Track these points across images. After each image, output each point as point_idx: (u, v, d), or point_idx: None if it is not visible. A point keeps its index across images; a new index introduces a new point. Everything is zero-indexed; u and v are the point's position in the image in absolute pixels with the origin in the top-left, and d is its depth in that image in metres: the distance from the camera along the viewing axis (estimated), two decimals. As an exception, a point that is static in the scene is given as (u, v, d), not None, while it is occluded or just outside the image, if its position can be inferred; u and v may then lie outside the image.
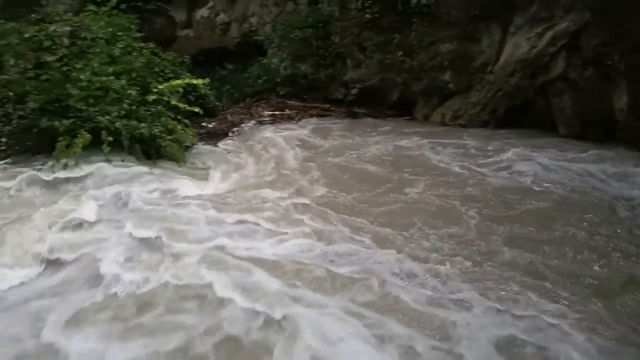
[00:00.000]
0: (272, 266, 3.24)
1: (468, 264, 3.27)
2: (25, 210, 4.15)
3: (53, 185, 4.72)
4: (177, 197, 4.69)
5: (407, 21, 7.58)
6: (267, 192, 4.67)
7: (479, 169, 5.43)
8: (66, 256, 3.47)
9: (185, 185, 5.05)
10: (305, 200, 4.44)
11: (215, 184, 5.28)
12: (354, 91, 8.59)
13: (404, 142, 6.51)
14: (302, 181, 5.12)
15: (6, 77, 5.45)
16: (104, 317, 2.79)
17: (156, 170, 5.25)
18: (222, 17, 10.15)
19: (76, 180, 4.84)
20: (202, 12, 10.27)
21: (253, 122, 7.77)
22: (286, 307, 2.76)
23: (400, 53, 7.72)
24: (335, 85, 8.84)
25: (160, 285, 3.05)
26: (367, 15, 7.70)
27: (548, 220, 4.04)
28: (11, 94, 5.35)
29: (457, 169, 5.43)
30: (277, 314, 2.70)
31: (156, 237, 3.63)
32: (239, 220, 3.99)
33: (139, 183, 4.87)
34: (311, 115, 8.22)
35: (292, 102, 8.67)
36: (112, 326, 2.71)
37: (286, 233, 3.77)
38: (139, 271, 3.21)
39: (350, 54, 8.37)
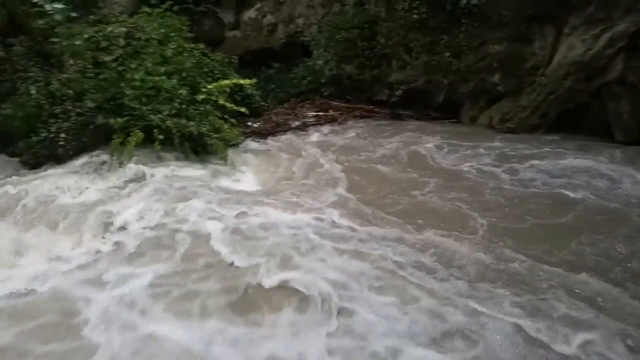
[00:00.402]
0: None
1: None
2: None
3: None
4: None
5: (456, 22, 7.44)
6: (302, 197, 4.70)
7: (524, 177, 5.22)
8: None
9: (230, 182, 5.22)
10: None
11: (255, 182, 5.38)
12: (398, 92, 8.51)
13: (445, 145, 6.35)
14: (341, 185, 5.10)
15: (66, 75, 5.74)
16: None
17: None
18: (269, 19, 10.31)
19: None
20: (250, 13, 10.46)
21: (297, 122, 7.83)
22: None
23: (448, 54, 7.58)
24: (379, 86, 8.78)
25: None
26: (415, 16, 7.61)
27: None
28: (70, 92, 5.62)
29: (502, 175, 5.25)
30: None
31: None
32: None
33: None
34: (355, 117, 8.21)
35: (336, 103, 8.68)
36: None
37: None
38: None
39: (396, 55, 8.30)
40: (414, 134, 6.98)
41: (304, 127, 7.60)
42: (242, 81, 6.38)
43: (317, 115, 8.17)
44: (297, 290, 2.96)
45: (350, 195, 4.71)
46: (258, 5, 10.34)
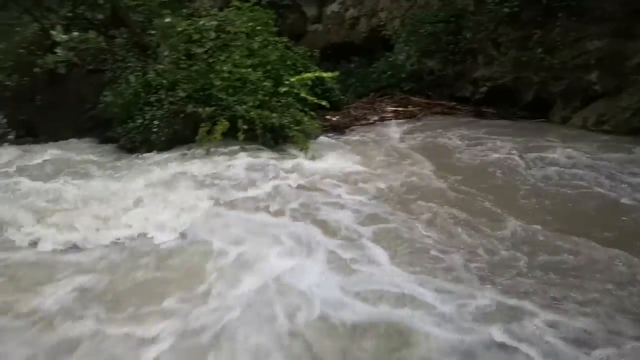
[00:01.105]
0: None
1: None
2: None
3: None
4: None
5: (551, 16, 6.99)
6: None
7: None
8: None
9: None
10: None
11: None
12: (483, 89, 8.16)
13: (533, 147, 5.87)
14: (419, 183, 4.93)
15: (162, 66, 6.09)
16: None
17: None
18: (351, 12, 10.31)
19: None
20: (333, 7, 10.51)
21: (376, 117, 7.76)
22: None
23: (540, 50, 7.14)
24: (462, 82, 8.47)
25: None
26: (506, 10, 7.25)
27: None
28: (165, 81, 5.97)
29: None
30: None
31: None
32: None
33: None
34: (435, 113, 7.98)
35: (415, 99, 8.50)
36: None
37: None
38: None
39: (483, 50, 7.96)
40: (496, 130, 6.63)
41: (382, 122, 7.52)
42: (324, 74, 6.43)
43: (396, 110, 8.04)
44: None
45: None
46: (341, -1, 10.40)
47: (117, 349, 2.42)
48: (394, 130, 6.84)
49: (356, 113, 8.00)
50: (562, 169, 4.97)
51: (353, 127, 7.22)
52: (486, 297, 2.76)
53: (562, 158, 5.31)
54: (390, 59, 9.15)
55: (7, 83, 6.82)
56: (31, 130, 7.32)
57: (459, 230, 3.62)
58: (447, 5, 8.41)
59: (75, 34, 5.25)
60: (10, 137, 7.28)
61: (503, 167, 5.10)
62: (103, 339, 2.48)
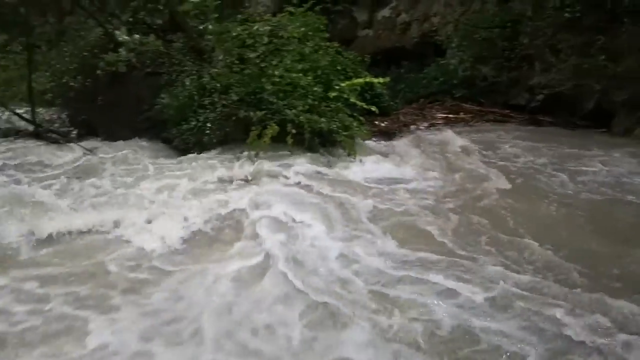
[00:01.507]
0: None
1: None
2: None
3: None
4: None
5: (616, 21, 6.66)
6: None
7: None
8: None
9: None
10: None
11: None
12: (539, 97, 7.87)
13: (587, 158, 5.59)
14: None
15: (216, 70, 6.25)
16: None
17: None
18: (403, 17, 10.21)
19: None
20: (384, 12, 10.44)
21: (425, 123, 7.65)
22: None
23: (603, 57, 6.81)
24: (517, 89, 8.20)
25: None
26: (566, 15, 6.97)
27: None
28: (218, 85, 6.12)
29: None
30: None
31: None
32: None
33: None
34: (487, 121, 7.77)
35: (467, 106, 8.30)
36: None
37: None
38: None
39: (540, 57, 7.67)
40: (555, 140, 6.34)
41: (432, 129, 7.39)
42: (374, 80, 6.38)
43: (446, 117, 7.89)
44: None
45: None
46: (393, 3, 10.28)
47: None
48: (445, 136, 6.68)
49: (405, 119, 7.91)
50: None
51: (402, 133, 7.14)
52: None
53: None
54: (442, 65, 8.99)
55: (71, 84, 7.19)
56: (91, 129, 7.71)
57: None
58: (504, 10, 8.18)
59: (137, 36, 5.48)
60: (72, 135, 7.70)
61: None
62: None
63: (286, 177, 4.95)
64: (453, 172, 5.26)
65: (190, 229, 3.76)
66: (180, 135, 6.21)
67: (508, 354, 2.32)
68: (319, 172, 5.09)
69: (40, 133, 6.99)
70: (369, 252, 3.27)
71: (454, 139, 6.43)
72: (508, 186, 4.72)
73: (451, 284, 2.86)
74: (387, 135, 7.09)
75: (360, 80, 6.43)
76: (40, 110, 7.89)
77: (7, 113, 7.72)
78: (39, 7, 8.43)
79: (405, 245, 3.38)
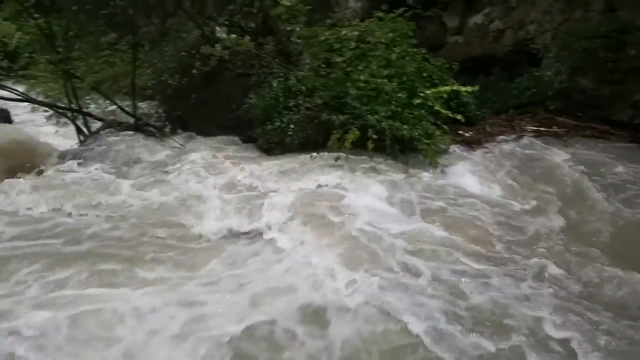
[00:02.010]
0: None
1: None
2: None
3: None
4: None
5: None
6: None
7: None
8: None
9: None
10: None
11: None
12: (645, 113, 7.18)
13: None
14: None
15: (302, 73, 6.40)
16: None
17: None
18: (496, 24, 9.78)
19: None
20: (476, 18, 10.07)
21: (513, 135, 7.24)
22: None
23: None
24: (620, 104, 7.52)
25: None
26: (684, 25, 6.30)
27: None
28: (303, 88, 6.26)
29: None
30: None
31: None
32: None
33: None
34: (584, 136, 7.19)
35: (561, 119, 7.75)
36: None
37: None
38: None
39: (650, 70, 7.00)
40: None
41: (520, 141, 6.99)
42: (462, 88, 6.18)
43: (537, 130, 7.42)
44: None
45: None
46: (486, 10, 9.88)
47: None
48: (538, 151, 6.27)
49: (492, 130, 7.56)
50: None
51: (488, 145, 6.83)
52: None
53: None
54: (536, 75, 8.48)
55: (169, 82, 7.71)
56: (184, 124, 8.21)
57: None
58: (609, 20, 7.56)
59: (233, 36, 5.80)
60: (167, 129, 8.25)
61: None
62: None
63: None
64: (554, 196, 4.75)
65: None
66: (264, 135, 6.43)
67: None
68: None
69: (139, 126, 7.55)
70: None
71: (548, 155, 6.01)
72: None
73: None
74: (472, 145, 6.82)
75: (447, 88, 6.27)
76: (140, 104, 8.54)
77: (112, 106, 8.45)
78: (145, 9, 9.13)
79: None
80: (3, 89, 7.86)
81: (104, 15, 7.56)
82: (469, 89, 6.16)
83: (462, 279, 3.15)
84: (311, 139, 6.15)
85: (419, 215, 4.31)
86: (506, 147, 6.62)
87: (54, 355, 2.49)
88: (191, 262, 3.57)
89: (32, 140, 7.41)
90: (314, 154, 5.75)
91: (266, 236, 3.97)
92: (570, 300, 2.95)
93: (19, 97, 7.72)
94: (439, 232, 3.88)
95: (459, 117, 6.01)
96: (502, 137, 7.17)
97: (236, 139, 7.19)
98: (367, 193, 4.72)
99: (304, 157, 5.79)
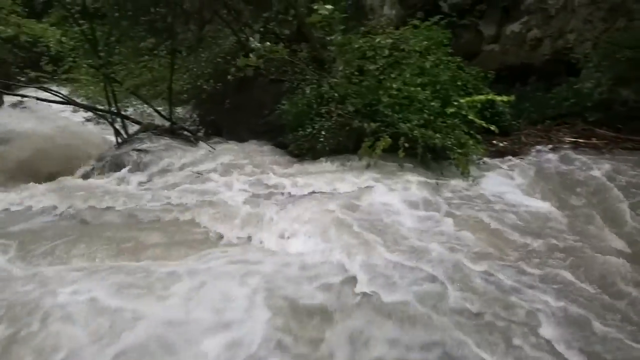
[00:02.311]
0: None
1: None
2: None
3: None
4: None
5: None
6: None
7: None
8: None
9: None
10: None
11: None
12: (692, 127, 6.88)
13: None
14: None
15: (335, 80, 6.42)
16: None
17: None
18: (534, 33, 9.56)
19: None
20: (514, 27, 9.88)
21: (550, 146, 7.04)
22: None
23: None
24: (665, 117, 7.24)
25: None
26: None
27: None
28: (336, 95, 6.28)
29: None
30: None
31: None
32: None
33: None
34: (624, 149, 6.92)
35: (601, 131, 7.50)
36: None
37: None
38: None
39: (698, 82, 6.71)
40: None
41: (556, 152, 6.80)
42: (497, 97, 6.07)
43: (575, 141, 7.21)
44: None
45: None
46: (524, 18, 9.68)
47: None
48: (578, 162, 6.07)
49: (527, 140, 7.39)
50: None
51: (523, 155, 6.68)
52: None
53: None
54: (575, 86, 8.25)
55: (204, 87, 7.89)
56: (217, 129, 8.37)
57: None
58: (656, 28, 7.30)
59: (268, 43, 5.88)
60: (200, 133, 8.42)
61: None
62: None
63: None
64: (593, 209, 4.52)
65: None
66: (296, 141, 6.48)
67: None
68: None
69: (175, 130, 7.73)
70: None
71: (587, 167, 5.81)
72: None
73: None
74: (506, 155, 6.68)
75: (482, 97, 6.17)
76: (176, 108, 8.75)
77: (149, 109, 8.70)
78: (183, 16, 9.38)
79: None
80: (47, 92, 8.21)
81: (145, 22, 7.80)
82: (505, 98, 6.04)
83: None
84: (342, 145, 6.15)
85: (446, 218, 4.27)
86: (542, 158, 6.45)
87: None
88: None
89: (76, 141, 7.74)
90: (346, 161, 5.78)
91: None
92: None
93: (62, 100, 8.04)
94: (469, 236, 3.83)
95: (492, 127, 5.89)
96: (538, 147, 7.00)
97: (268, 144, 7.26)
98: (397, 199, 4.70)
99: (336, 164, 5.81)
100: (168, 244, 3.83)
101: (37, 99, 8.29)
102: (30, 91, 8.45)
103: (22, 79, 9.51)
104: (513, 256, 3.56)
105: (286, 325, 2.66)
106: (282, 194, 5.14)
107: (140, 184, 5.92)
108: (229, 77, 7.27)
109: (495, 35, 10.42)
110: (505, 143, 7.28)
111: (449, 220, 4.15)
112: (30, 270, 3.32)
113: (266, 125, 7.41)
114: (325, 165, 5.99)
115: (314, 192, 5.03)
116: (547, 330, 2.63)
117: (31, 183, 5.88)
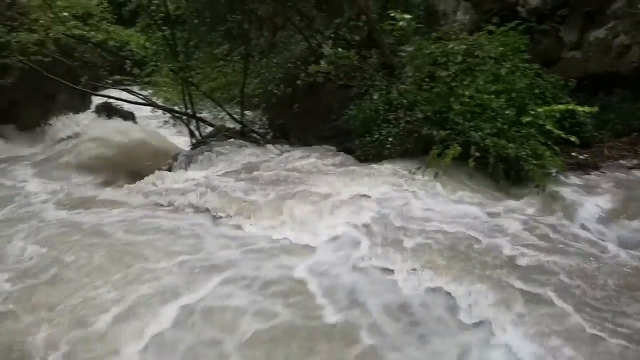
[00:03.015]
0: None
1: None
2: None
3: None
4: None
5: None
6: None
7: None
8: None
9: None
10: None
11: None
12: None
13: None
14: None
15: (404, 86, 6.35)
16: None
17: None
18: (621, 39, 8.92)
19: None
20: (598, 33, 9.26)
21: (636, 161, 6.54)
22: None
23: None
24: None
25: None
26: None
27: None
28: (405, 101, 6.20)
29: None
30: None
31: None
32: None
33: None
34: None
35: (697, 145, 6.87)
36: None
37: None
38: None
39: None
40: None
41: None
42: (578, 107, 5.72)
43: (666, 156, 6.64)
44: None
45: None
46: (611, 23, 9.04)
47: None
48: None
49: (610, 153, 6.89)
50: None
51: (605, 170, 6.24)
52: None
53: None
54: (668, 96, 7.61)
55: (275, 91, 8.09)
56: (284, 133, 8.55)
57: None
58: None
59: (340, 49, 5.93)
60: (269, 137, 8.65)
61: None
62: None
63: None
64: None
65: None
66: (362, 147, 6.47)
67: None
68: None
69: (245, 132, 8.00)
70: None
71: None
72: None
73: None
74: (586, 169, 6.27)
75: (561, 106, 5.84)
76: (247, 112, 9.05)
77: (222, 112, 9.06)
78: (258, 23, 9.70)
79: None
80: (130, 93, 8.79)
81: (221, 28, 8.14)
82: (587, 109, 5.68)
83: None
84: (408, 152, 6.06)
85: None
86: (628, 173, 6.00)
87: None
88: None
89: (155, 140, 8.25)
90: (413, 169, 5.70)
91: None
92: None
93: (143, 101, 8.57)
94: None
95: (572, 138, 5.55)
96: (622, 162, 6.52)
97: (334, 148, 7.31)
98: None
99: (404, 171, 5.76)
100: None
101: (120, 99, 8.93)
102: (114, 93, 9.12)
103: (109, 81, 10.22)
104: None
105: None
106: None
107: (207, 178, 6.20)
108: (298, 82, 7.42)
109: (577, 41, 9.83)
110: (585, 155, 6.83)
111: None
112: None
113: (333, 130, 7.47)
114: (390, 169, 5.91)
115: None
116: None
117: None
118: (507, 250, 3.62)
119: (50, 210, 5.84)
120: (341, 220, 4.43)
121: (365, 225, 4.29)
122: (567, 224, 4.41)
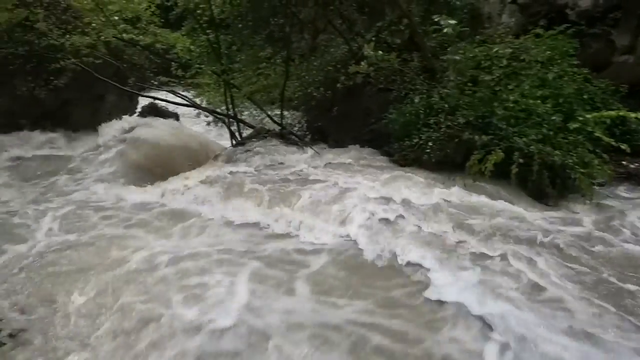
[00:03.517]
0: None
1: None
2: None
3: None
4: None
5: None
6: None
7: None
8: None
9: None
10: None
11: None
12: None
13: None
14: None
15: (446, 90, 6.24)
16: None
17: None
18: (679, 43, 8.49)
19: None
20: (654, 36, 8.85)
21: (693, 170, 6.20)
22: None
23: None
24: None
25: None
26: None
27: None
28: (446, 106, 6.10)
29: None
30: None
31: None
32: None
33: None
34: None
35: None
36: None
37: None
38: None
39: None
40: None
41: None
42: (631, 114, 5.46)
43: None
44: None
45: None
46: (668, 26, 8.64)
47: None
48: None
49: (664, 163, 6.55)
50: None
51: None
52: None
53: None
54: None
55: (314, 94, 8.12)
56: (323, 135, 8.56)
57: None
58: None
59: (380, 52, 5.89)
60: (307, 139, 8.68)
61: None
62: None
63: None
64: None
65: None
66: (401, 151, 6.40)
67: None
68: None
69: (284, 134, 8.06)
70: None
71: None
72: None
73: None
74: (637, 177, 5.99)
75: (611, 113, 5.60)
76: (286, 114, 9.13)
77: (262, 114, 9.18)
78: (299, 26, 9.79)
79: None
80: (175, 95, 9.04)
81: (264, 32, 8.25)
82: (639, 115, 5.42)
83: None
84: (449, 157, 5.95)
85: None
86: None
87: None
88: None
89: (200, 140, 8.48)
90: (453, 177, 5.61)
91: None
92: None
93: (186, 103, 8.79)
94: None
95: (623, 146, 5.30)
96: (678, 172, 6.18)
97: (373, 151, 7.26)
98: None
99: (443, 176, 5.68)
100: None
101: (166, 101, 9.18)
102: (160, 94, 9.40)
103: (155, 82, 10.54)
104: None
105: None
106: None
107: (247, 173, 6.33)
108: (338, 85, 7.42)
109: (630, 45, 9.39)
110: (636, 164, 6.52)
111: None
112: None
113: (371, 134, 7.42)
114: (430, 176, 5.84)
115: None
116: None
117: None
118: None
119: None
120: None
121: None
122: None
